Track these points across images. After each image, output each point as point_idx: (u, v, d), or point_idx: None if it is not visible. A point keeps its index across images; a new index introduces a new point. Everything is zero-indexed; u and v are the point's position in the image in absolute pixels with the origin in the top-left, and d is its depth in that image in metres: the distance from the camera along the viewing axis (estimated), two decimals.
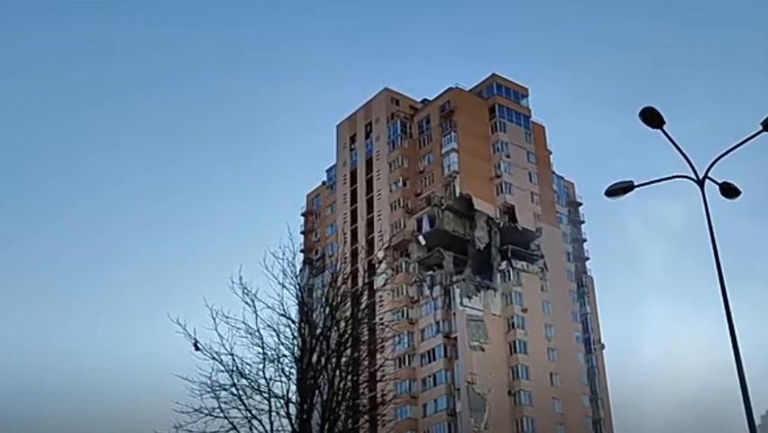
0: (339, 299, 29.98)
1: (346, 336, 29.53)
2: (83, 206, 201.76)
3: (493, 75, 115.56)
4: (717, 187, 21.87)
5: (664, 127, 21.06)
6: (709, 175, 21.48)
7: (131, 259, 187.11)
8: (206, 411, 28.61)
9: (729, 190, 22.00)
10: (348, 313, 30.15)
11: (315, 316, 30.36)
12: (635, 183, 22.13)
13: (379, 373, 33.14)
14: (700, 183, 21.43)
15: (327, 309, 29.79)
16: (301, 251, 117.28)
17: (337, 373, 29.25)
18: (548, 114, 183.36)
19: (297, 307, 30.25)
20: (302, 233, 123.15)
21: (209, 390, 28.74)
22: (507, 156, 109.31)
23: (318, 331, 29.58)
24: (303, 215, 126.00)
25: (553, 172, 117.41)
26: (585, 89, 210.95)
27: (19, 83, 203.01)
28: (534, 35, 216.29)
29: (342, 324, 29.73)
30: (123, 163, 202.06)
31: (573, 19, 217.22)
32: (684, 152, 21.32)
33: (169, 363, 32.31)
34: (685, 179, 21.59)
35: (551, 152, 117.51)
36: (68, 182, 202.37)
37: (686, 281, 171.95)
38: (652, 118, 20.91)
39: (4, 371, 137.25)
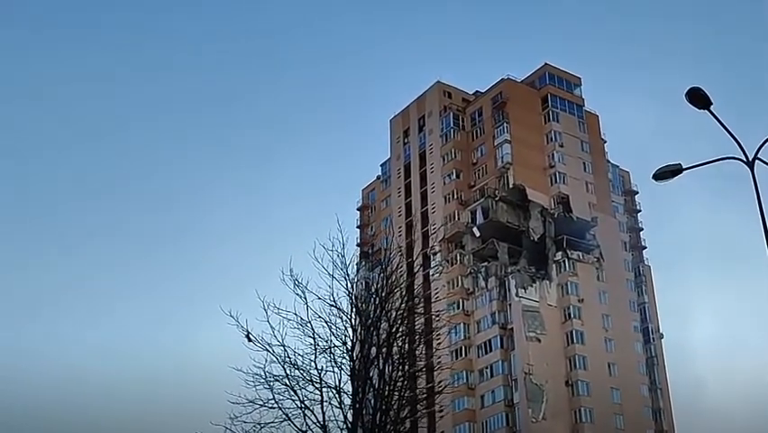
0: (388, 290, 30.07)
1: (396, 326, 29.61)
2: (142, 206, 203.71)
3: (545, 65, 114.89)
4: None
5: (711, 108, 20.79)
6: (759, 156, 21.15)
7: (189, 259, 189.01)
8: (261, 402, 28.93)
9: None
10: (398, 304, 30.22)
11: (366, 307, 30.49)
12: (684, 166, 21.84)
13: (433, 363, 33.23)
14: (750, 164, 21.04)
15: (377, 300, 29.93)
16: (357, 245, 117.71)
17: (389, 363, 29.38)
18: (602, 102, 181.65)
19: (347, 298, 30.38)
20: (358, 227, 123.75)
21: (263, 380, 29.05)
22: (561, 146, 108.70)
23: (369, 322, 29.72)
24: (358, 209, 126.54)
25: (608, 161, 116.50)
26: (640, 76, 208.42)
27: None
28: (586, 22, 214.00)
29: (393, 314, 29.83)
30: (170, 168, 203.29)
31: (624, 6, 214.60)
32: (733, 132, 21.01)
33: (225, 356, 32.87)
34: (735, 162, 21.28)
35: (605, 141, 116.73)
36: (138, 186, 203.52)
37: (747, 268, 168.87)
38: (698, 99, 20.64)
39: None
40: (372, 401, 28.94)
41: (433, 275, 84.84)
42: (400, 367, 29.81)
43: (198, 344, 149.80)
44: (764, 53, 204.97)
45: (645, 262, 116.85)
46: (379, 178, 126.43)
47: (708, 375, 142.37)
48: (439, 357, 33.82)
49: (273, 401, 28.94)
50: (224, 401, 29.35)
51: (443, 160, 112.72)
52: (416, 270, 45.11)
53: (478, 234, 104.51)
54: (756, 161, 21.04)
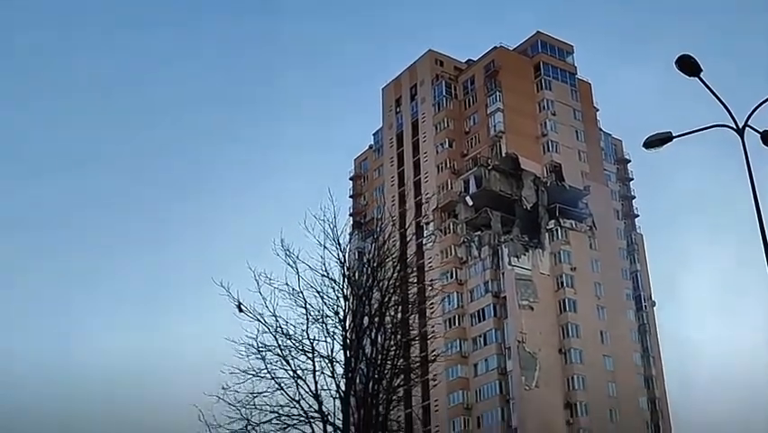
0: (380, 260, 30.08)
1: (389, 295, 29.64)
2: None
3: (537, 33, 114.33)
4: (759, 135, 21.46)
5: (702, 75, 20.72)
6: (750, 123, 21.09)
7: (183, 232, 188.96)
8: (253, 372, 29.00)
9: None
10: (390, 273, 30.24)
11: (358, 276, 30.51)
12: (675, 134, 21.78)
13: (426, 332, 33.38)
14: (740, 132, 20.99)
15: (369, 270, 29.94)
16: (350, 214, 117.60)
17: (381, 332, 29.44)
18: (595, 70, 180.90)
19: (339, 268, 30.36)
20: (350, 196, 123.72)
21: (255, 351, 29.11)
22: (553, 114, 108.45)
23: (361, 292, 29.73)
24: (351, 179, 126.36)
25: (601, 130, 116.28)
26: (632, 44, 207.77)
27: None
28: None
29: (385, 284, 29.85)
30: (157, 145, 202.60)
31: None
32: (723, 100, 20.96)
33: (218, 328, 32.90)
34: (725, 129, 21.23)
35: (597, 110, 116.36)
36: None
37: (739, 236, 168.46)
38: (688, 66, 20.58)
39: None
40: (365, 370, 29.03)
41: (426, 244, 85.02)
42: (393, 336, 29.88)
43: (196, 332, 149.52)
44: (763, 24, 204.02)
45: (638, 231, 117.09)
46: (371, 147, 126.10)
47: (701, 342, 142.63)
48: (432, 326, 34.00)
49: (266, 371, 29.05)
50: (216, 373, 29.46)
51: (436, 129, 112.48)
52: (408, 239, 45.07)
53: (471, 203, 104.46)
54: (747, 128, 21.03)
